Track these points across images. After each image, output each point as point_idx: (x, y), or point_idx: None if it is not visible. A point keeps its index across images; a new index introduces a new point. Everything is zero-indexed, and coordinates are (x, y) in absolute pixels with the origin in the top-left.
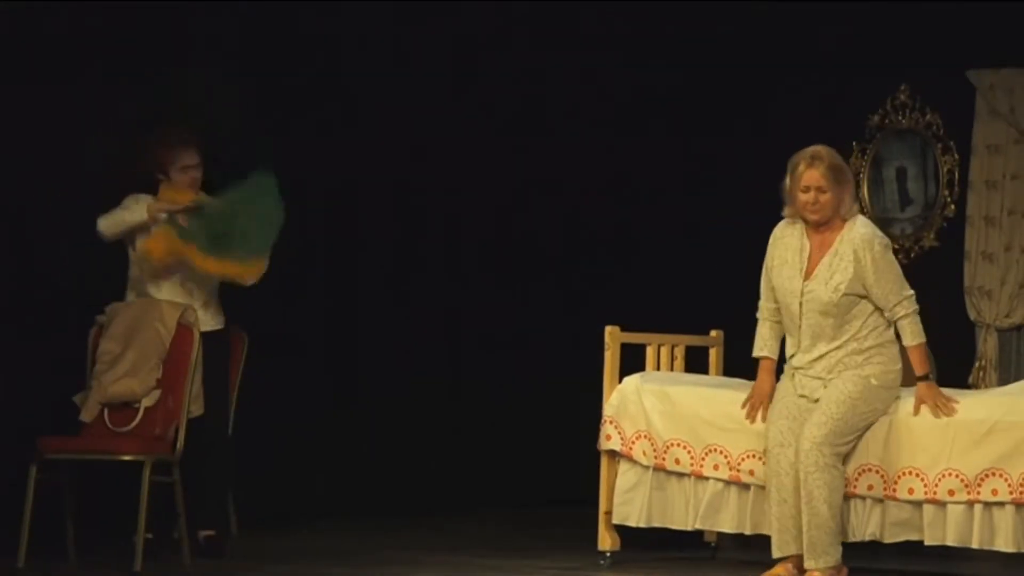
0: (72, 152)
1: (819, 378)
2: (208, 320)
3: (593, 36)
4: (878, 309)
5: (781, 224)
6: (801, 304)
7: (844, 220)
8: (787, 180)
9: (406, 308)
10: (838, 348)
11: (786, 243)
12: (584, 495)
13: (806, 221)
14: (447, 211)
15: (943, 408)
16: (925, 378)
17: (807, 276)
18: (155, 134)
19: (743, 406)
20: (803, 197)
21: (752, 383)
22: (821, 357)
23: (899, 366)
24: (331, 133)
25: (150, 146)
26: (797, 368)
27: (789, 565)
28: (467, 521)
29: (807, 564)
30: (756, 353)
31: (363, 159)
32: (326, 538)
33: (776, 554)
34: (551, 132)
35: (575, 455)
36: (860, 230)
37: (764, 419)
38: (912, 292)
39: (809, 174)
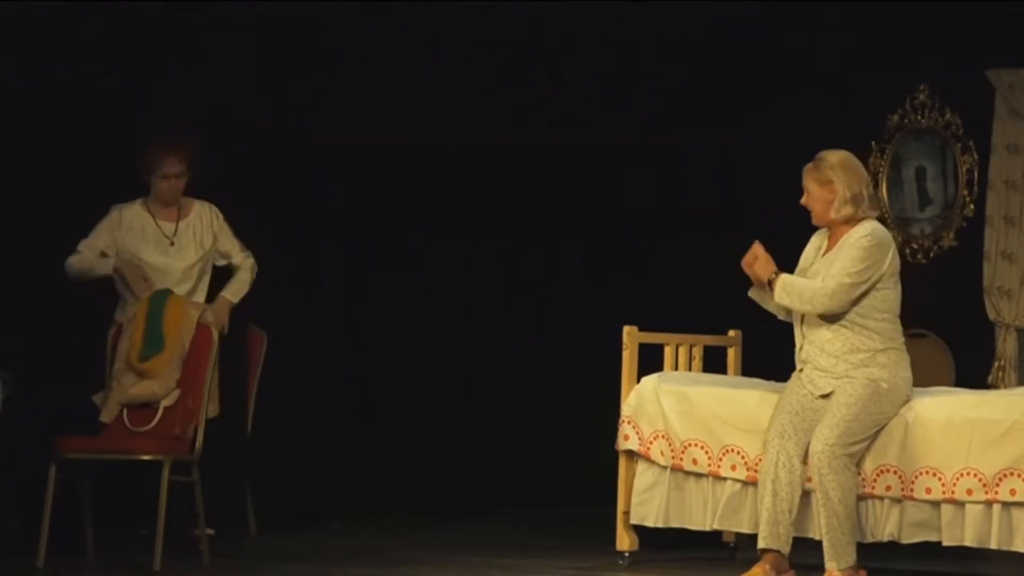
0: (89, 150)
1: (826, 371)
2: None
3: (616, 33)
4: (890, 313)
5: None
6: None
7: (852, 223)
8: None
9: (422, 308)
10: (841, 339)
11: (813, 245)
12: (600, 495)
13: None
14: (464, 211)
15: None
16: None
17: None
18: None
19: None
20: None
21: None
22: (825, 345)
23: (908, 373)
24: (346, 132)
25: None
26: (805, 362)
27: (767, 565)
28: (483, 521)
29: (828, 566)
30: None
31: (378, 159)
32: (341, 538)
33: (763, 544)
34: (569, 130)
35: (592, 455)
36: (860, 229)
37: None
38: None
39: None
